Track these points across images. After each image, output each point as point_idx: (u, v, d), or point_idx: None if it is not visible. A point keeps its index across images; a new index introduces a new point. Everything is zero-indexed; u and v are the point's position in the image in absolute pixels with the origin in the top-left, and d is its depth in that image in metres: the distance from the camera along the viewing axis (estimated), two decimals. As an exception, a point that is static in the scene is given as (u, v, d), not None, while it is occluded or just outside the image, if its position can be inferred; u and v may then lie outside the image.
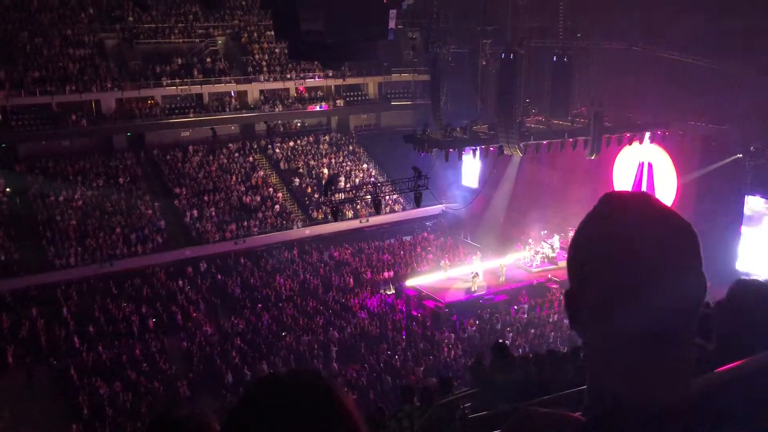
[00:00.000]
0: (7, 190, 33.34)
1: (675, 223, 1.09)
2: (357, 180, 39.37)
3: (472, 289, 30.31)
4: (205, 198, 35.86)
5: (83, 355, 25.38)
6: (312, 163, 40.71)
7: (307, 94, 42.77)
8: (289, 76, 40.86)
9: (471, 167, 37.67)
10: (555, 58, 26.80)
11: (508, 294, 30.04)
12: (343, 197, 29.61)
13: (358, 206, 35.91)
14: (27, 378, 23.99)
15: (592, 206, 1.14)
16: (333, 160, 41.18)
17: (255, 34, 42.44)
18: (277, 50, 41.33)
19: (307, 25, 12.83)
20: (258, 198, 36.92)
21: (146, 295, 29.64)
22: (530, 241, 33.77)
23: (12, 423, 21.80)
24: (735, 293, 2.14)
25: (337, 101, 42.75)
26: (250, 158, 39.69)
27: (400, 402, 9.44)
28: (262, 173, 38.85)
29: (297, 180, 38.94)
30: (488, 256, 33.26)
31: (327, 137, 43.03)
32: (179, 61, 39.12)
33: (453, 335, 27.07)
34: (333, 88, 43.02)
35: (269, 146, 40.89)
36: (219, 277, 31.95)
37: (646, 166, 31.05)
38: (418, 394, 9.37)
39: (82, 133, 36.46)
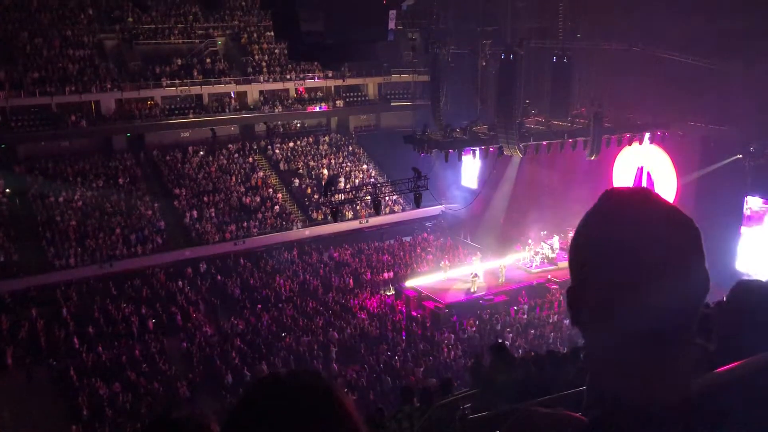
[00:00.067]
0: (7, 190, 33.34)
1: (675, 219, 1.08)
2: (357, 181, 39.38)
3: (472, 290, 30.30)
4: (205, 199, 35.86)
5: (83, 355, 25.38)
6: (312, 163, 40.71)
7: (306, 95, 42.78)
8: (288, 76, 40.86)
9: (471, 168, 37.68)
10: (555, 58, 26.80)
11: (507, 295, 30.03)
12: (342, 198, 29.63)
13: (358, 207, 35.92)
14: (27, 379, 23.99)
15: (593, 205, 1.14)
16: (333, 161, 41.19)
17: (255, 35, 42.46)
18: (276, 51, 41.34)
19: (307, 25, 12.85)
20: (258, 199, 36.93)
21: (146, 296, 29.64)
22: (530, 241, 33.75)
23: (12, 424, 21.79)
24: (736, 294, 2.14)
25: (337, 102, 42.76)
26: (250, 159, 39.69)
27: (400, 403, 9.43)
28: (261, 174, 38.86)
29: (297, 181, 38.94)
30: (488, 256, 33.24)
31: (327, 138, 43.04)
32: (179, 61, 39.13)
33: (453, 336, 27.06)
34: (333, 88, 43.05)
35: (269, 147, 40.89)
36: (219, 277, 31.95)
37: (645, 173, 31.06)
38: (418, 394, 9.36)
39: (81, 133, 36.46)
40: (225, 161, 38.99)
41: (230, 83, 39.69)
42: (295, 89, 42.17)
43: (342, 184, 36.67)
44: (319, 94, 43.07)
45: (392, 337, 27.17)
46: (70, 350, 25.86)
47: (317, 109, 42.26)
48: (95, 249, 31.35)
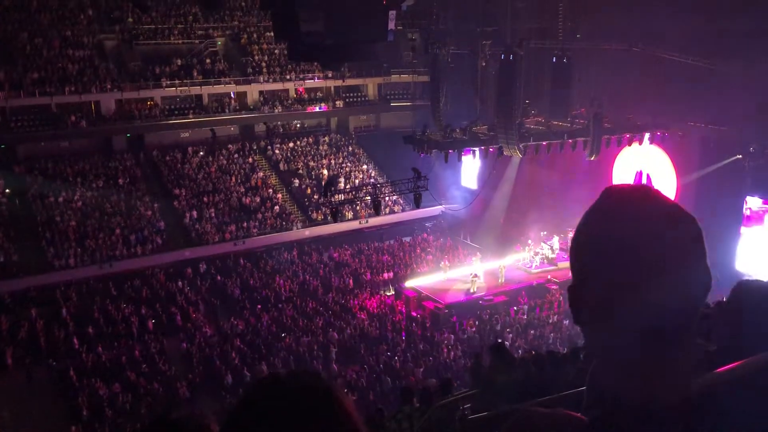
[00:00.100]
0: (7, 191, 33.34)
1: (676, 216, 1.07)
2: (356, 181, 39.38)
3: (472, 291, 30.29)
4: (205, 199, 35.85)
5: (83, 356, 25.37)
6: (311, 164, 40.71)
7: (306, 95, 42.78)
8: (288, 77, 40.87)
9: (470, 168, 37.66)
10: (554, 59, 26.81)
11: (507, 295, 30.02)
12: (342, 198, 29.63)
13: (358, 207, 35.93)
14: (26, 379, 23.98)
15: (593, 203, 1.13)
16: (332, 161, 41.19)
17: (254, 35, 42.46)
18: (276, 51, 41.34)
19: (307, 26, 12.86)
20: (257, 199, 36.92)
21: (146, 296, 29.63)
22: (530, 242, 33.75)
23: (12, 424, 21.79)
24: (736, 294, 2.14)
25: (337, 102, 42.76)
26: (250, 159, 39.69)
27: (400, 403, 9.43)
28: (261, 174, 38.86)
29: (296, 181, 38.94)
30: (488, 257, 33.23)
31: (326, 138, 43.04)
32: (179, 62, 39.13)
33: (452, 336, 27.06)
34: (332, 89, 43.05)
35: (269, 147, 40.89)
36: (218, 278, 31.94)
37: (645, 175, 31.06)
38: (418, 395, 9.35)
39: (81, 134, 36.46)
40: (225, 161, 38.99)
41: (230, 83, 39.70)
42: (295, 89, 42.17)
43: (342, 185, 36.67)
44: (319, 94, 43.07)
45: (392, 338, 27.17)
46: (70, 350, 25.84)
47: (317, 109, 42.27)
48: (95, 249, 31.34)
